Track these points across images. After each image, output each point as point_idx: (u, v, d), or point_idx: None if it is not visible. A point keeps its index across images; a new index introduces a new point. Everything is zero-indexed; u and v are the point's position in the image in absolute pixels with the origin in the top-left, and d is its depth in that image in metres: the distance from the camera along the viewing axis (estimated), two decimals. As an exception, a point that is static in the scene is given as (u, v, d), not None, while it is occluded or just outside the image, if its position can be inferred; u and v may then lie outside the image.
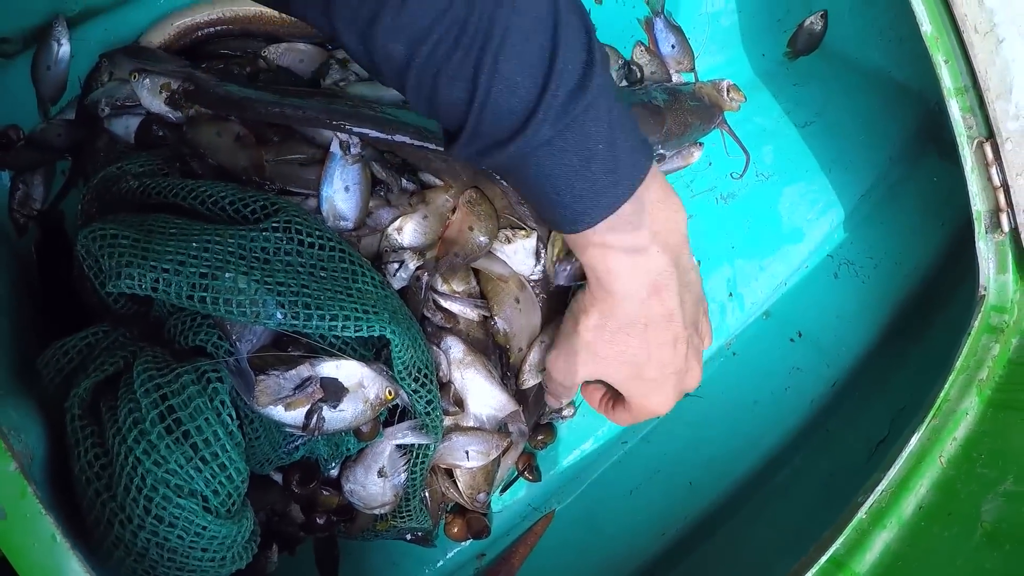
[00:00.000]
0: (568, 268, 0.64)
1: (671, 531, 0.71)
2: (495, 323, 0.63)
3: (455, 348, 0.60)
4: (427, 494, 0.63)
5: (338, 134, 0.60)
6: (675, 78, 0.80)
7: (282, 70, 0.71)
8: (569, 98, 0.43)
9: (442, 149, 0.57)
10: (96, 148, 0.68)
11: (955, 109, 0.56)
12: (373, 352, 0.54)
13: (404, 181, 0.63)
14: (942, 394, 0.55)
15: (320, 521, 0.60)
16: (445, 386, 0.60)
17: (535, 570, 0.71)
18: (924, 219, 0.76)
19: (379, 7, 0.41)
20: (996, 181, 0.56)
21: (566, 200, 0.47)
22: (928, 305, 0.74)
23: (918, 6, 0.54)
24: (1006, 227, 0.56)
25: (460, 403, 0.61)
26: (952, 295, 0.70)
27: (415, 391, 0.53)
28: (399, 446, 0.56)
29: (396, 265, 0.59)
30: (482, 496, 0.64)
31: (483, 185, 0.63)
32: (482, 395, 0.61)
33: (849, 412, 0.71)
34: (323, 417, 0.49)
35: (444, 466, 0.63)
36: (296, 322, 0.47)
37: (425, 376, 0.54)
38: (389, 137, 0.60)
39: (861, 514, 0.52)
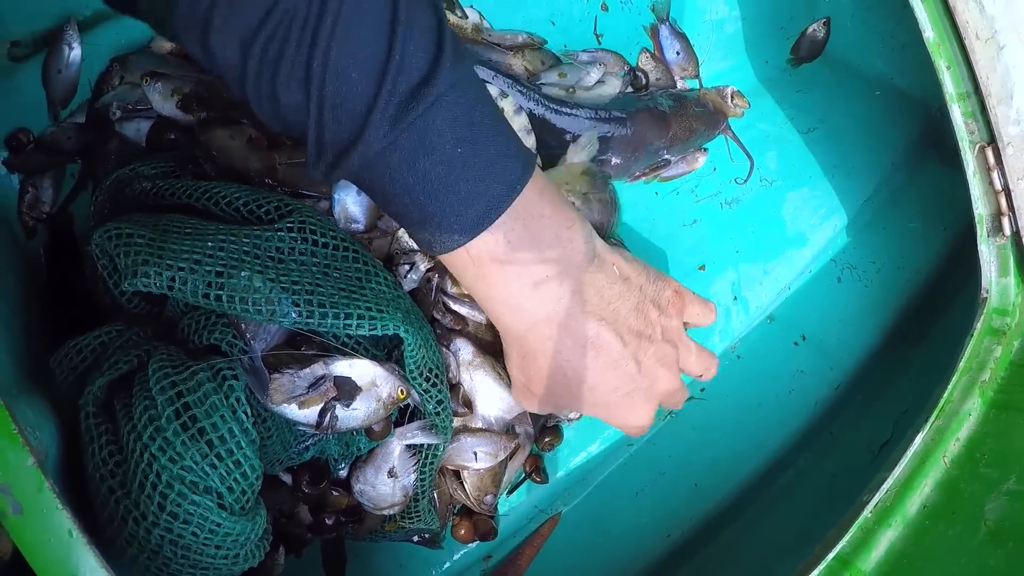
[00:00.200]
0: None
1: (676, 532, 0.71)
2: (502, 325, 0.64)
3: (464, 350, 0.61)
4: (436, 495, 0.63)
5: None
6: (680, 84, 0.81)
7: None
8: (412, 94, 0.39)
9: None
10: (107, 151, 0.69)
11: (957, 114, 0.57)
12: (385, 352, 0.54)
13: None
14: (945, 395, 0.56)
15: (329, 522, 0.60)
16: (454, 387, 0.60)
17: (541, 572, 0.71)
18: (926, 224, 0.77)
19: (209, 11, 0.38)
20: (998, 185, 0.57)
21: (430, 212, 0.42)
22: (930, 309, 0.74)
23: (920, 13, 0.55)
24: (1007, 231, 0.57)
25: (469, 404, 0.61)
26: (953, 300, 0.71)
27: (426, 391, 0.54)
28: (409, 446, 0.57)
29: (407, 267, 0.59)
30: (489, 498, 0.65)
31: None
32: (490, 397, 0.61)
33: (853, 415, 0.72)
34: (336, 416, 0.49)
35: (452, 467, 0.63)
36: (311, 320, 0.47)
37: (436, 376, 0.54)
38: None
39: (866, 513, 0.52)
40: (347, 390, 0.49)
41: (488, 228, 0.43)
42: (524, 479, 0.72)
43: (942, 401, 0.56)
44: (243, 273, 0.47)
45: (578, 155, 0.69)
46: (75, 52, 0.70)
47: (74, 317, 0.59)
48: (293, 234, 0.51)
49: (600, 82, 0.76)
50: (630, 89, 0.79)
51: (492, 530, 0.68)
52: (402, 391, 0.52)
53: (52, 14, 0.69)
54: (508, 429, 0.64)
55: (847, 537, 0.52)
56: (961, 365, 0.57)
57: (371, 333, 0.49)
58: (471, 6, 0.74)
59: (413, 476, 0.57)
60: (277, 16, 0.37)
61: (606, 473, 0.75)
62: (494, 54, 0.72)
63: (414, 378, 0.53)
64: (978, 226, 0.58)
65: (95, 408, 0.48)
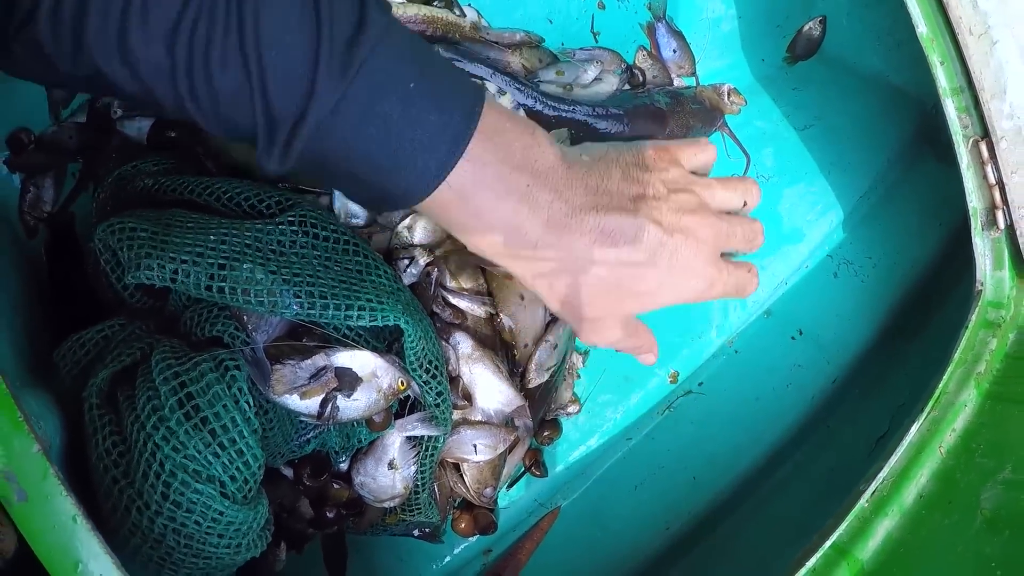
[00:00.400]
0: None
1: (675, 525, 0.72)
2: (501, 320, 0.64)
3: (463, 343, 0.61)
4: (436, 488, 0.64)
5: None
6: (677, 82, 0.82)
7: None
8: (350, 42, 0.38)
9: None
10: (109, 150, 0.69)
11: (951, 109, 0.57)
12: (385, 344, 0.55)
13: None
14: (940, 386, 0.56)
15: (330, 515, 0.60)
16: (454, 380, 0.61)
17: (541, 566, 0.71)
18: (921, 220, 0.77)
19: (124, 14, 0.36)
20: (991, 179, 0.57)
21: (400, 158, 0.40)
22: (925, 304, 0.75)
23: (914, 9, 0.55)
24: (1001, 224, 0.58)
25: (468, 397, 0.62)
26: (949, 294, 0.71)
27: (426, 382, 0.54)
28: (409, 438, 0.57)
29: (406, 262, 0.60)
30: (489, 491, 0.65)
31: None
32: (490, 389, 0.62)
33: (849, 408, 0.72)
34: (337, 406, 0.50)
35: (452, 460, 0.63)
36: (312, 312, 0.48)
37: (436, 368, 0.55)
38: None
39: (863, 502, 0.53)
40: (348, 381, 0.50)
41: (464, 155, 0.42)
42: (523, 473, 0.73)
43: (938, 392, 0.56)
44: (245, 266, 0.48)
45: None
46: (77, 51, 0.70)
47: (76, 316, 0.60)
48: (294, 228, 0.52)
49: (597, 80, 0.76)
50: (627, 87, 0.80)
51: (492, 523, 0.69)
52: (402, 382, 0.52)
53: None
54: (507, 422, 0.64)
55: (844, 526, 0.52)
56: (956, 357, 0.57)
57: (371, 324, 0.49)
58: (469, 4, 0.75)
59: (413, 468, 0.58)
60: (196, 1, 0.37)
61: (605, 467, 0.75)
62: (492, 52, 0.72)
63: (414, 370, 0.53)
64: (972, 220, 0.58)
65: (99, 400, 0.48)
